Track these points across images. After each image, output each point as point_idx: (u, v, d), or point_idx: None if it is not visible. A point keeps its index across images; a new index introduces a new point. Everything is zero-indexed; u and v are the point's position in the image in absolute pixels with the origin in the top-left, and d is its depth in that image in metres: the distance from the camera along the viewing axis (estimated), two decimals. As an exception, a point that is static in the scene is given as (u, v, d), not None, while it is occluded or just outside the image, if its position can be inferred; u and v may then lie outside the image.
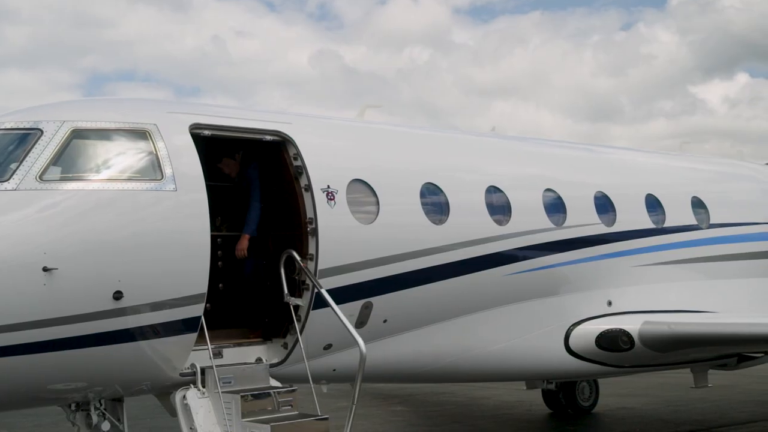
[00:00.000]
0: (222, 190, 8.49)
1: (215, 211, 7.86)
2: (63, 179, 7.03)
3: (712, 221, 12.40)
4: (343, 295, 8.12)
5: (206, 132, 7.91)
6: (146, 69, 56.44)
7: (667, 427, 13.64)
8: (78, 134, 7.23)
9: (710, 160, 14.95)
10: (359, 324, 8.40)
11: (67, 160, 7.14)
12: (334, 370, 8.47)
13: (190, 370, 7.52)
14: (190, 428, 7.36)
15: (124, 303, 6.88)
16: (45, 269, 6.53)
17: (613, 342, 10.53)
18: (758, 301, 12.63)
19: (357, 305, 8.42)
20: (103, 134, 7.39)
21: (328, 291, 7.83)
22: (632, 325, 10.58)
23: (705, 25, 53.77)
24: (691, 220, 12.16)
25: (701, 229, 12.20)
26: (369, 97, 58.56)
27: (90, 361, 6.94)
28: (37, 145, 7.01)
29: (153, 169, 7.30)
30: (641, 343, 10.54)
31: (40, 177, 6.87)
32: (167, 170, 7.30)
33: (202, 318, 7.35)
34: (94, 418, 7.66)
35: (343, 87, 53.38)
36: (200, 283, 7.29)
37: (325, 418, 7.49)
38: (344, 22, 59.03)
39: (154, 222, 7.13)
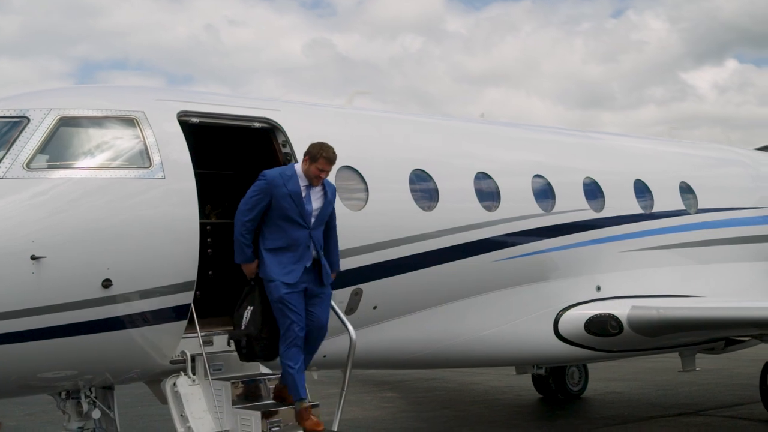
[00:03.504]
0: (211, 178, 8.46)
1: (205, 199, 7.84)
2: (50, 167, 6.98)
3: (700, 206, 12.44)
4: (332, 282, 8.11)
5: (194, 119, 7.87)
6: (139, 57, 56.26)
7: (656, 410, 13.72)
8: (65, 122, 7.18)
9: (698, 146, 14.99)
10: (349, 310, 8.41)
11: (54, 148, 7.09)
12: (325, 356, 8.46)
13: (180, 358, 7.49)
14: (181, 415, 7.37)
15: (113, 291, 6.86)
16: (33, 258, 6.50)
17: (602, 327, 10.57)
18: (746, 285, 12.70)
19: (347, 292, 8.42)
20: (91, 122, 7.34)
21: (318, 278, 7.79)
22: (621, 310, 10.62)
23: (695, 11, 53.98)
24: (680, 206, 12.20)
25: (689, 214, 12.25)
26: (362, 84, 58.59)
27: (79, 349, 6.92)
28: (23, 133, 6.97)
29: (141, 157, 7.27)
30: (630, 328, 10.59)
31: (28, 165, 6.82)
32: (155, 158, 7.27)
33: (192, 305, 7.35)
34: (85, 406, 7.65)
35: (336, 75, 53.34)
36: (189, 271, 7.28)
37: (316, 405, 7.50)
38: (337, 9, 58.94)
39: (142, 210, 7.10)
